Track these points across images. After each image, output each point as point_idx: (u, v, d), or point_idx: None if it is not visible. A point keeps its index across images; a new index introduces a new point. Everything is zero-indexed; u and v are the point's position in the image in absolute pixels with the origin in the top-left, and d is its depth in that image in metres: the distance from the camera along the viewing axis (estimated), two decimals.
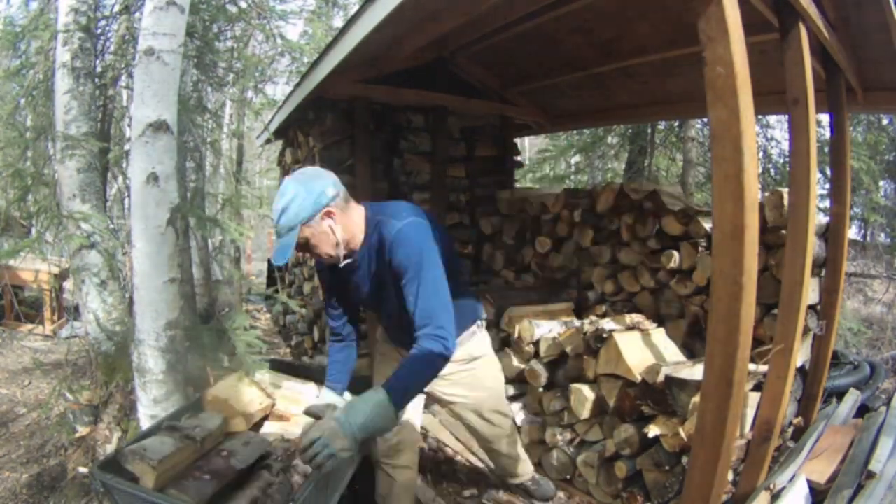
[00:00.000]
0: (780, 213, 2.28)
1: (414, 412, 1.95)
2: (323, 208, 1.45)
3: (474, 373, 1.92)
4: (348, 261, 1.59)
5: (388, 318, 1.78)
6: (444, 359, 1.41)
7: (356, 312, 1.84)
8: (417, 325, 1.42)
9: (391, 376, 1.38)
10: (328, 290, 1.79)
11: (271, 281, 7.57)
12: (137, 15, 2.98)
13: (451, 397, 1.96)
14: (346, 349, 1.82)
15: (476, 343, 1.92)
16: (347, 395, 1.77)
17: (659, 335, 2.43)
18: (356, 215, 1.55)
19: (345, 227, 1.52)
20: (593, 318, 2.67)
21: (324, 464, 1.22)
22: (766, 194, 2.28)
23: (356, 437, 1.25)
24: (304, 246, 1.49)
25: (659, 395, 2.04)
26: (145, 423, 2.12)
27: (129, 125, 2.62)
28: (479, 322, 1.93)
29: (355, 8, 2.66)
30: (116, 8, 3.20)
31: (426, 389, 1.72)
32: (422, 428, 3.05)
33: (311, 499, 1.37)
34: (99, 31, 3.00)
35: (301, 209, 1.43)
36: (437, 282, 1.45)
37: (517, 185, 4.78)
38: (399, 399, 1.34)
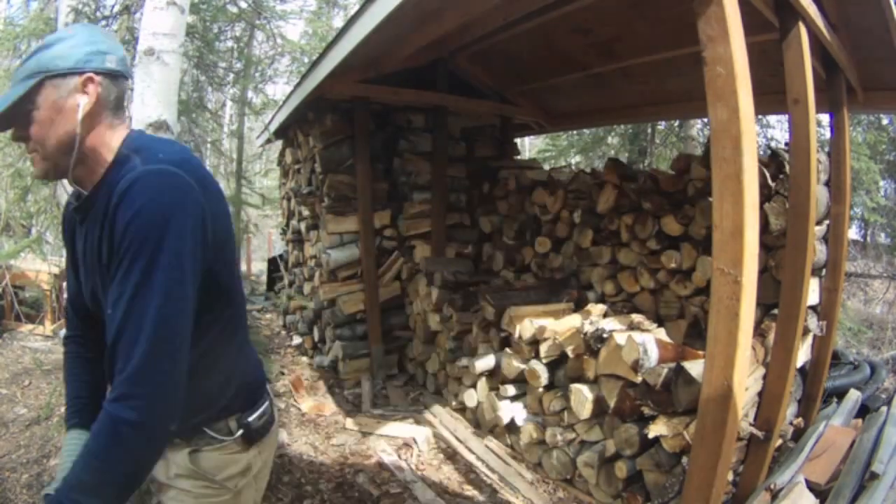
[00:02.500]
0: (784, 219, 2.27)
1: None
2: (87, 71, 0.88)
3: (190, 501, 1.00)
4: (72, 196, 0.99)
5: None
6: (145, 439, 0.77)
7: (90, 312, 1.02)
8: (116, 365, 0.78)
9: (65, 476, 0.79)
10: (69, 264, 1.06)
11: (271, 281, 7.58)
12: (137, 15, 2.98)
13: None
14: (77, 359, 1.08)
15: (217, 459, 1.00)
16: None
17: (659, 335, 2.43)
18: (115, 131, 0.93)
19: (93, 126, 0.90)
20: (593, 318, 2.67)
21: None
22: (770, 203, 2.26)
23: None
24: (17, 118, 0.87)
25: (659, 396, 2.05)
26: None
27: (129, 125, 2.62)
28: (246, 420, 1.03)
29: (355, 8, 2.66)
30: (116, 8, 3.20)
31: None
32: (421, 428, 3.06)
33: None
34: None
35: (62, 55, 0.87)
36: (174, 293, 0.79)
37: None
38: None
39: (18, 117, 0.87)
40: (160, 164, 0.84)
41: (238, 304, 1.00)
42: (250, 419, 1.02)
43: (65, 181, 0.99)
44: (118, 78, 0.93)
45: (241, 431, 1.01)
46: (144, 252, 0.77)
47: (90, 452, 0.77)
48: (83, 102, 0.87)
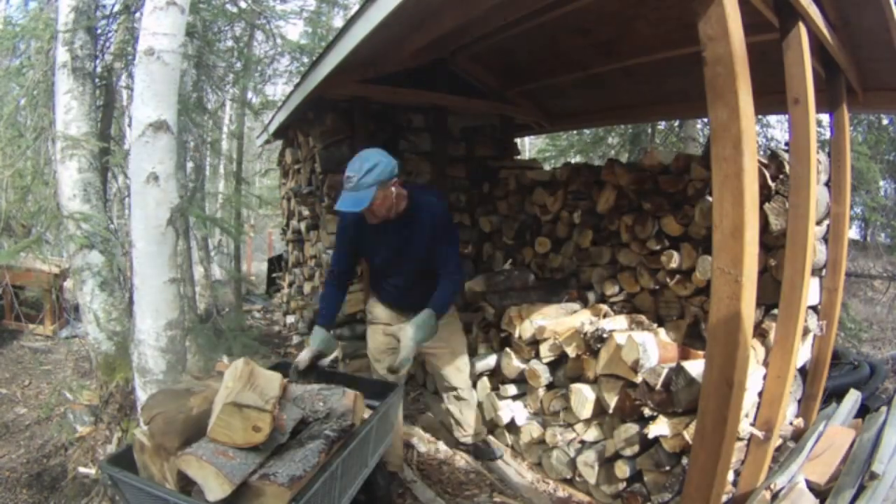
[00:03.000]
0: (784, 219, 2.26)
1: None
2: (395, 177, 1.96)
3: (450, 327, 2.41)
4: (385, 222, 2.05)
5: (402, 276, 2.22)
6: (460, 286, 2.32)
7: (356, 267, 2.37)
8: (446, 269, 2.12)
9: (433, 298, 2.05)
10: (346, 243, 2.20)
11: (271, 281, 7.58)
12: (137, 15, 2.98)
13: (434, 349, 2.39)
14: (339, 293, 2.24)
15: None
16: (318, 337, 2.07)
17: (659, 335, 2.43)
18: (403, 189, 2.07)
19: (398, 197, 2.02)
20: (593, 318, 2.67)
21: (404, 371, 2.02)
22: (770, 203, 2.25)
23: (420, 336, 1.96)
24: (372, 202, 1.89)
25: (659, 396, 2.04)
26: None
27: (129, 125, 2.63)
28: None
29: (355, 8, 2.66)
30: (116, 8, 3.20)
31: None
32: (423, 429, 3.06)
33: (357, 449, 1.60)
34: (99, 31, 3.00)
35: (383, 172, 1.90)
36: (457, 246, 2.22)
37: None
38: (441, 310, 2.05)
39: (370, 203, 1.91)
40: (440, 199, 2.23)
41: None
42: None
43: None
44: (398, 175, 2.00)
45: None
46: (448, 232, 2.15)
47: (444, 293, 2.11)
48: (395, 191, 1.99)
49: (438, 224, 2.08)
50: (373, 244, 2.17)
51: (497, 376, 2.89)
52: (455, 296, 2.21)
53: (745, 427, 2.01)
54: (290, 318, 5.30)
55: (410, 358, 1.94)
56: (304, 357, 1.96)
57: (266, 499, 1.27)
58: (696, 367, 1.95)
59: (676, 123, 6.93)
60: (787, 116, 2.00)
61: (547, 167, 4.77)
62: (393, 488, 2.29)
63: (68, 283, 5.07)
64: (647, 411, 2.09)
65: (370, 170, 1.88)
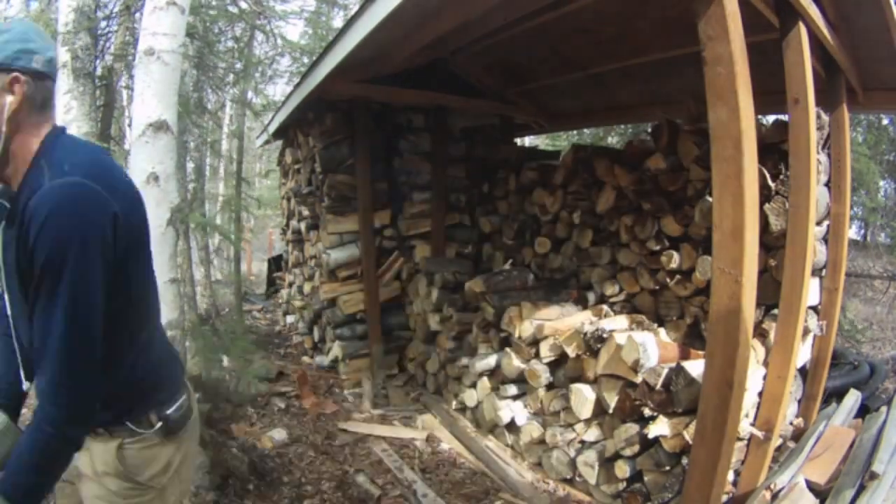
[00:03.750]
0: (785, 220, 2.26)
1: None
2: (14, 69, 0.87)
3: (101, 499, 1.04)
4: None
5: (14, 335, 0.99)
6: (67, 440, 0.86)
7: None
8: (39, 371, 0.87)
9: (7, 465, 0.87)
10: None
11: (271, 281, 7.58)
12: (137, 15, 2.98)
13: None
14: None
15: (126, 455, 1.02)
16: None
17: (659, 335, 2.43)
18: (39, 133, 0.92)
19: (18, 128, 0.89)
20: (593, 318, 2.67)
21: None
22: (770, 203, 2.25)
23: None
24: None
25: (659, 396, 2.04)
26: None
27: (129, 125, 2.63)
28: (158, 414, 1.05)
29: (355, 8, 2.66)
30: (116, 8, 3.21)
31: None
32: (421, 428, 3.06)
33: None
34: (99, 31, 3.00)
35: None
36: (87, 300, 0.85)
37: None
38: (7, 493, 0.83)
39: None
40: (65, 176, 0.85)
41: (152, 300, 1.08)
42: (169, 412, 1.06)
43: None
44: (45, 79, 0.92)
45: (160, 424, 1.04)
46: (53, 270, 0.82)
47: (21, 462, 0.85)
48: (10, 100, 0.87)
49: (40, 239, 0.82)
50: None
51: (497, 376, 2.89)
52: (49, 459, 0.87)
53: (745, 427, 2.01)
54: (290, 318, 5.30)
55: None
56: None
57: None
58: (696, 367, 1.95)
59: None
60: (787, 116, 2.00)
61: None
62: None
63: None
64: (647, 411, 2.09)
65: None
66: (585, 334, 2.38)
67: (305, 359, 4.36)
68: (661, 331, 2.51)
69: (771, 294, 2.21)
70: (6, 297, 0.97)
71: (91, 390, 0.88)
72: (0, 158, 0.89)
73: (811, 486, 1.93)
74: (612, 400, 2.24)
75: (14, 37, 0.89)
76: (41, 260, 0.82)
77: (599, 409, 2.35)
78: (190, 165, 4.68)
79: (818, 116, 2.15)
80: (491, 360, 2.92)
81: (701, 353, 2.16)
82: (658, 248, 2.78)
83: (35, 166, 0.89)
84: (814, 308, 2.54)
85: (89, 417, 0.89)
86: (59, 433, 0.85)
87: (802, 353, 2.47)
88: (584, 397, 2.36)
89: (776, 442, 2.11)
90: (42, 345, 0.85)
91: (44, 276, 0.83)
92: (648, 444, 2.12)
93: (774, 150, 2.26)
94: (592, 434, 2.39)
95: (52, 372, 0.84)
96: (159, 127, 2.03)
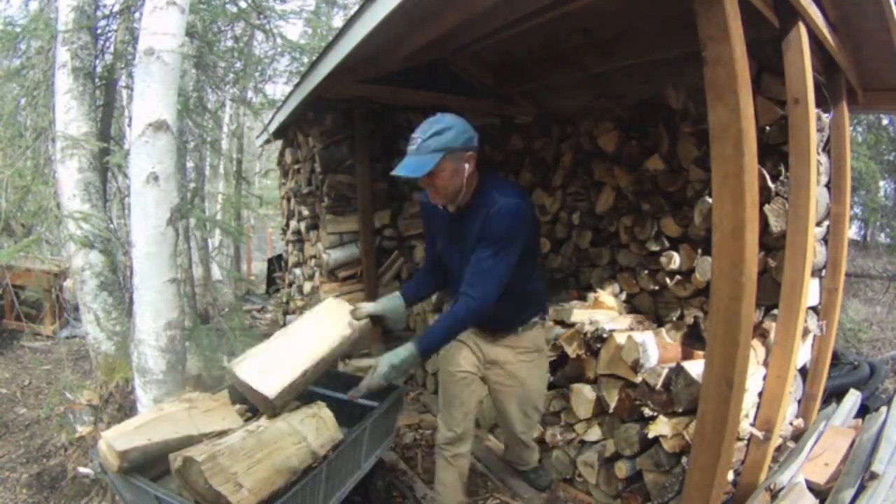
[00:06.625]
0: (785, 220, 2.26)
1: (472, 402, 1.99)
2: (470, 150, 1.59)
3: (531, 365, 1.98)
4: (452, 209, 1.72)
5: (454, 274, 1.80)
6: (468, 321, 1.63)
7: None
8: (467, 285, 1.59)
9: (426, 329, 1.68)
10: (428, 230, 1.95)
11: (271, 281, 7.58)
12: (137, 15, 2.98)
13: (503, 386, 1.99)
14: (427, 278, 1.96)
15: (538, 335, 2.00)
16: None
17: (659, 335, 2.43)
18: (475, 173, 1.66)
19: (469, 177, 1.63)
20: (593, 318, 2.67)
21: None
22: (769, 204, 2.25)
23: (390, 375, 1.58)
24: (432, 174, 1.55)
25: (659, 396, 2.04)
26: None
27: (129, 125, 2.62)
28: (544, 316, 2.04)
29: (355, 8, 2.66)
30: (116, 8, 3.20)
31: (482, 375, 1.97)
32: (423, 429, 3.06)
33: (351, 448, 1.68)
34: (99, 31, 3.00)
35: (456, 139, 1.54)
36: (503, 262, 1.58)
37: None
38: (426, 347, 1.61)
39: (429, 174, 1.55)
40: (509, 197, 1.60)
41: (535, 260, 1.88)
42: (546, 314, 2.08)
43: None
44: (477, 148, 1.63)
45: (542, 317, 2.02)
46: (498, 242, 1.58)
47: (438, 328, 1.64)
48: (467, 168, 1.61)
49: (488, 222, 1.58)
50: (440, 233, 1.83)
51: None
52: (457, 329, 1.65)
53: (745, 427, 2.01)
54: (290, 318, 5.29)
55: (364, 391, 1.62)
56: (364, 307, 1.79)
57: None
58: (696, 367, 1.94)
59: None
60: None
61: None
62: (391, 489, 2.27)
63: (68, 283, 5.06)
64: (647, 411, 2.09)
65: (439, 132, 1.52)
66: (585, 334, 2.38)
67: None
68: (662, 331, 2.51)
69: (771, 294, 2.21)
70: (457, 254, 1.74)
71: (491, 300, 1.59)
72: (459, 195, 1.65)
73: (811, 486, 1.93)
74: (612, 400, 2.24)
75: (463, 128, 1.58)
76: (491, 229, 1.57)
77: (599, 409, 2.35)
78: (190, 165, 4.67)
79: (818, 118, 2.15)
80: None
81: (701, 353, 2.16)
82: (658, 248, 2.78)
83: (481, 189, 1.66)
84: (814, 308, 2.54)
85: (482, 316, 1.62)
86: (464, 320, 1.62)
87: (802, 354, 2.47)
88: (584, 397, 2.36)
89: (776, 442, 2.11)
90: (478, 271, 1.58)
91: (488, 239, 1.58)
92: (648, 444, 2.12)
93: (775, 151, 2.26)
94: (592, 434, 2.39)
95: (481, 286, 1.58)
96: (159, 127, 2.03)
